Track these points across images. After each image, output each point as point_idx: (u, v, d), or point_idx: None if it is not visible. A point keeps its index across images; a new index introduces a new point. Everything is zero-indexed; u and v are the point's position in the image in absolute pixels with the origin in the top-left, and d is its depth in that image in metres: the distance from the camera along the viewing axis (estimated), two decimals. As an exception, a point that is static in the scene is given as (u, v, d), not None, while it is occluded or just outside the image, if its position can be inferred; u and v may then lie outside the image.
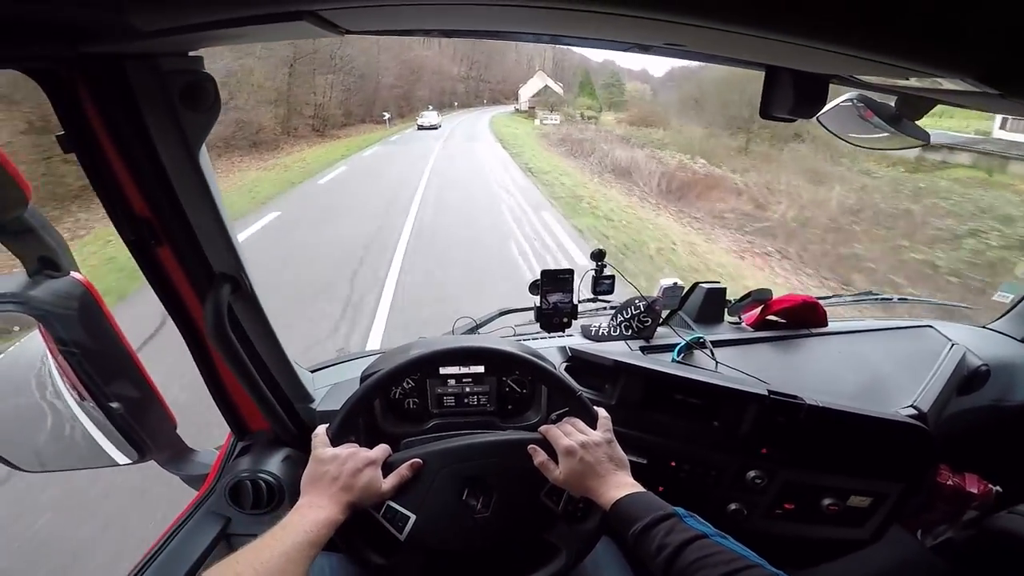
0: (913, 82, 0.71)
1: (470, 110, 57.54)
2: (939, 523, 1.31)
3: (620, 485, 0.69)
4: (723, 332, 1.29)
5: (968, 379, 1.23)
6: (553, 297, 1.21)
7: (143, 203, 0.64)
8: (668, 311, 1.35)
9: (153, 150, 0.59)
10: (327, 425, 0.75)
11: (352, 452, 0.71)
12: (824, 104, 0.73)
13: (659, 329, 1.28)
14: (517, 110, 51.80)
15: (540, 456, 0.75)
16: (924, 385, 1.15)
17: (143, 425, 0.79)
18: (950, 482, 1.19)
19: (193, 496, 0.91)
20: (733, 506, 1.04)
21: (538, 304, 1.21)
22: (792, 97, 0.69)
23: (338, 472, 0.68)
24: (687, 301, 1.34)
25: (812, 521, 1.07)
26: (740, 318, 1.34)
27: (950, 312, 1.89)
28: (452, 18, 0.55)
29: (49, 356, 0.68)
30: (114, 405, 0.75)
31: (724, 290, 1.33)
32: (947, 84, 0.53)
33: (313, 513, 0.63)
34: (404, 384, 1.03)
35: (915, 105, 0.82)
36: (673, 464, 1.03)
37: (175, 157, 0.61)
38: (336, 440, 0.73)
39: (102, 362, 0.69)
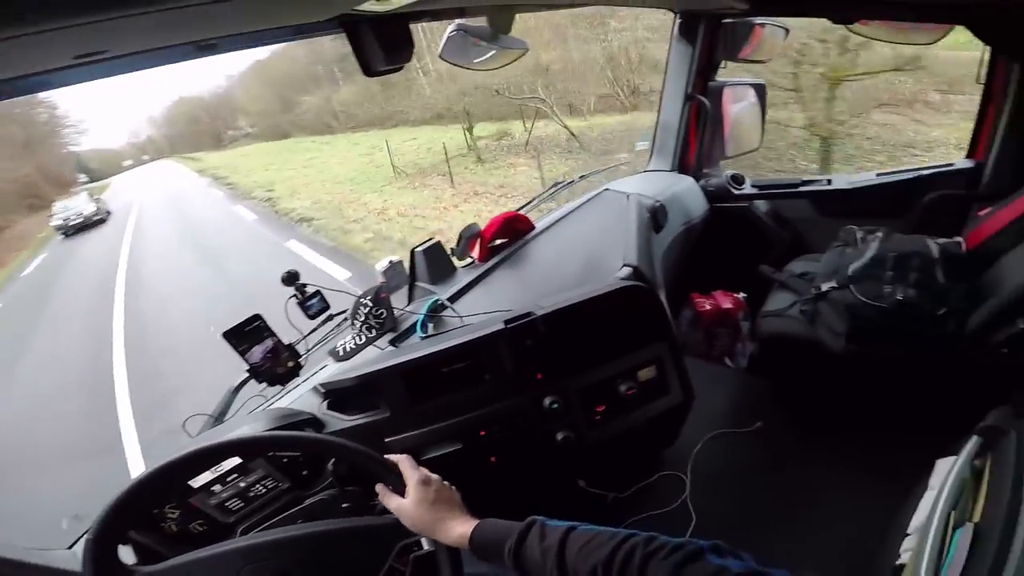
0: None
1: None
2: (732, 345, 1.40)
3: (466, 521, 0.68)
4: (461, 280, 1.24)
5: (653, 219, 1.28)
6: (256, 353, 1.06)
7: None
8: (406, 288, 1.26)
9: None
10: None
11: None
12: (412, 43, 0.74)
13: (404, 311, 1.19)
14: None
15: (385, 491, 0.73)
16: (627, 242, 1.17)
17: None
18: (707, 306, 1.25)
19: None
20: (560, 436, 1.02)
21: (247, 367, 1.06)
22: (379, 47, 0.70)
23: None
24: (416, 271, 1.25)
25: (628, 411, 1.05)
26: (472, 258, 1.28)
27: (617, 171, 2.05)
28: None
29: None
30: None
31: (439, 243, 1.26)
32: None
33: None
34: (168, 516, 0.88)
35: (500, 18, 0.89)
36: (484, 432, 1.00)
37: None
38: None
39: None
